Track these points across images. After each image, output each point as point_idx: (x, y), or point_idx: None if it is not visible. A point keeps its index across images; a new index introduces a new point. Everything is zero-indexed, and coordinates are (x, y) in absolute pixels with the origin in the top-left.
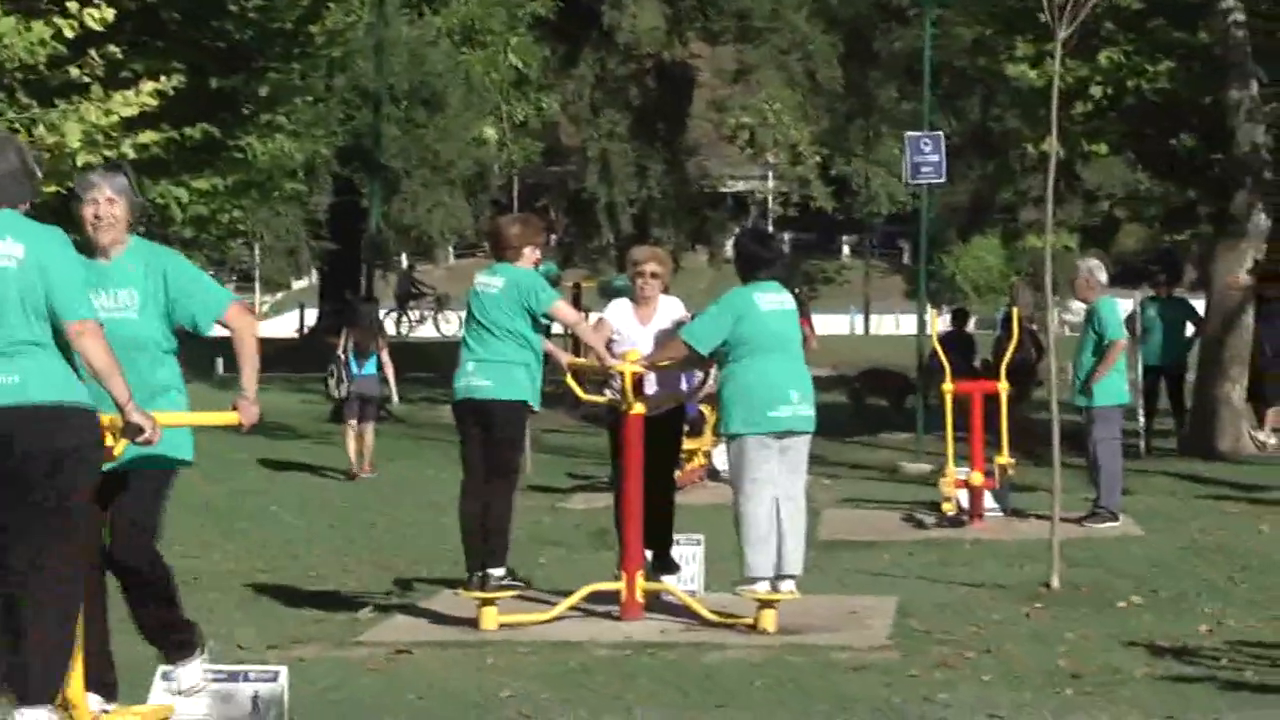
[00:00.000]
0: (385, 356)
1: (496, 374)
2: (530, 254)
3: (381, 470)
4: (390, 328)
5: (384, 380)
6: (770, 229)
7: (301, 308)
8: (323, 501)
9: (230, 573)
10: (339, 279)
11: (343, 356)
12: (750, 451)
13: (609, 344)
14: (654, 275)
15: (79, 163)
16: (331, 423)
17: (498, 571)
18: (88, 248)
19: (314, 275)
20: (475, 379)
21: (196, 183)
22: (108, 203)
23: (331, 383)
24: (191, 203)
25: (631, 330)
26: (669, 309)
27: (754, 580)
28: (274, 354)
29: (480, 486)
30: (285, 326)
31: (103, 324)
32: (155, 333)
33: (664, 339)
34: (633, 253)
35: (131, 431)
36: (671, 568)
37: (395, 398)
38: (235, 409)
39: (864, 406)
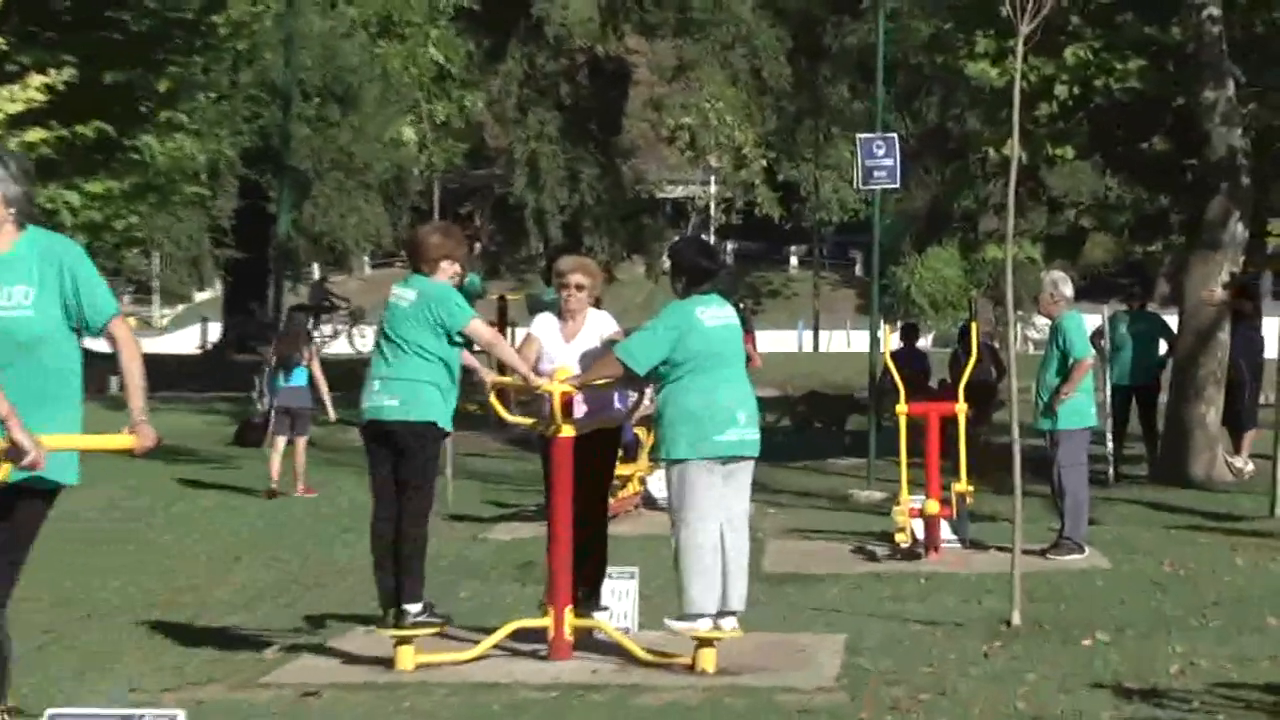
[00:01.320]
0: (315, 367)
1: (405, 393)
2: (449, 267)
3: (291, 498)
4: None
5: (315, 393)
6: (712, 238)
7: (204, 321)
8: (226, 530)
9: (122, 607)
10: (245, 290)
11: (267, 369)
12: (694, 478)
13: (536, 362)
14: (579, 288)
15: None
16: (235, 445)
17: (414, 607)
18: None
19: (218, 286)
20: (382, 399)
21: (89, 185)
22: None
23: (255, 396)
24: (84, 207)
25: (555, 347)
26: (598, 324)
27: (695, 617)
28: (175, 372)
29: (391, 515)
30: (187, 342)
31: None
32: (55, 330)
33: (596, 356)
34: (558, 264)
35: (13, 455)
36: (602, 603)
37: (331, 412)
38: (131, 431)
39: (808, 430)
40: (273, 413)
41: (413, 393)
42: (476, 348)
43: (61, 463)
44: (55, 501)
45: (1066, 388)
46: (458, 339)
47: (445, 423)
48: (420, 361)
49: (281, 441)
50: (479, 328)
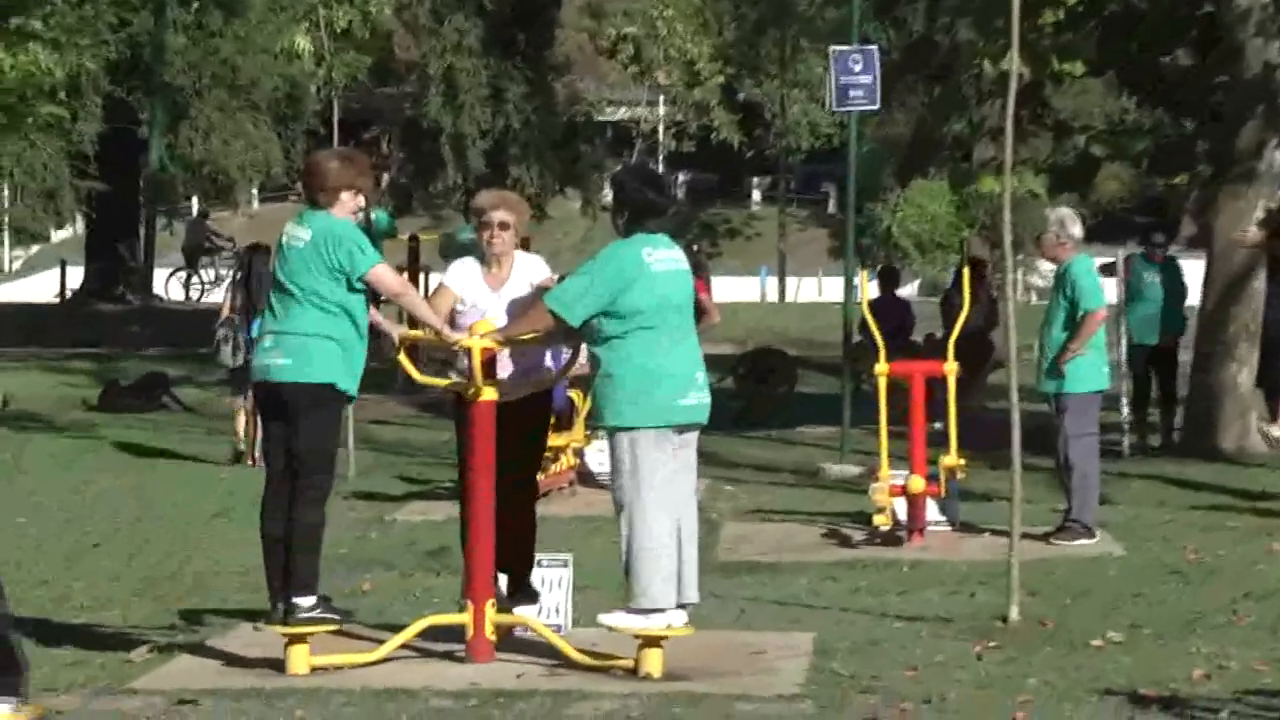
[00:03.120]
0: None
1: (297, 350)
2: (350, 200)
3: (160, 472)
4: (175, 291)
5: None
6: (660, 167)
7: (63, 265)
8: (88, 512)
9: None
10: (110, 229)
11: (236, 318)
12: (647, 450)
13: (452, 314)
14: (503, 226)
15: None
16: (99, 410)
17: (305, 600)
18: None
19: (79, 224)
20: (272, 356)
21: None
22: None
23: (226, 349)
24: None
25: (480, 296)
26: (527, 268)
27: (651, 613)
28: (28, 324)
29: (283, 493)
30: (42, 289)
31: None
32: None
33: (523, 306)
34: (477, 199)
35: None
36: (531, 596)
37: None
38: None
39: (756, 394)
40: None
41: (305, 350)
42: (382, 297)
43: None
44: None
45: (1075, 344)
46: (358, 286)
47: (346, 385)
48: (314, 312)
49: (241, 401)
50: (384, 274)
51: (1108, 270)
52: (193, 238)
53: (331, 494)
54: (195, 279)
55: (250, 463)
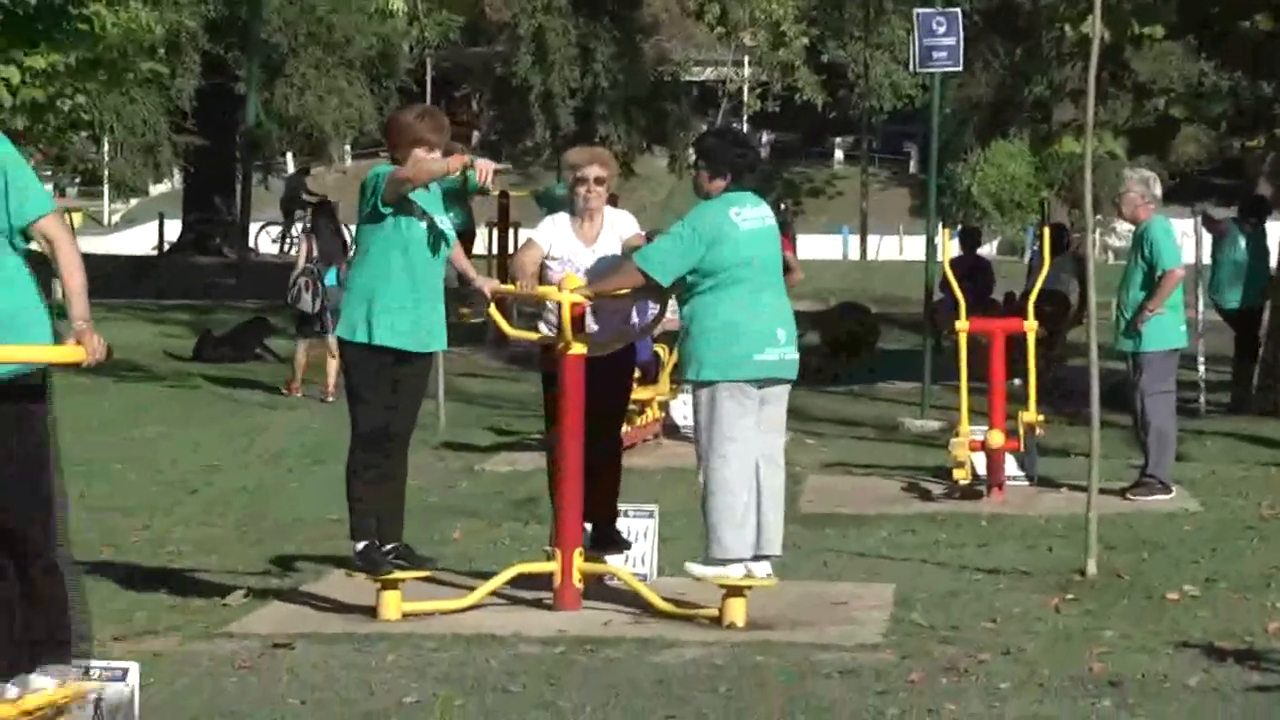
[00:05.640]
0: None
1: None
2: (425, 154)
3: (254, 419)
4: (268, 245)
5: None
6: (745, 127)
7: (161, 218)
8: (183, 459)
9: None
10: (207, 183)
11: (312, 266)
12: (726, 403)
13: (543, 269)
14: (598, 181)
15: None
16: (194, 361)
17: (355, 546)
18: None
19: (176, 178)
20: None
21: (30, 60)
22: None
23: (307, 296)
24: (24, 85)
25: (573, 251)
26: (617, 224)
27: (724, 562)
28: (127, 275)
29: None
30: (141, 241)
31: None
32: None
33: (612, 264)
34: (570, 155)
35: None
36: (618, 545)
37: None
38: (78, 342)
39: (841, 350)
40: (325, 312)
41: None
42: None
43: None
44: None
45: (1153, 303)
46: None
47: (355, 334)
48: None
49: (304, 345)
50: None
51: (1211, 225)
52: (291, 192)
53: (422, 444)
54: (290, 234)
55: (286, 392)
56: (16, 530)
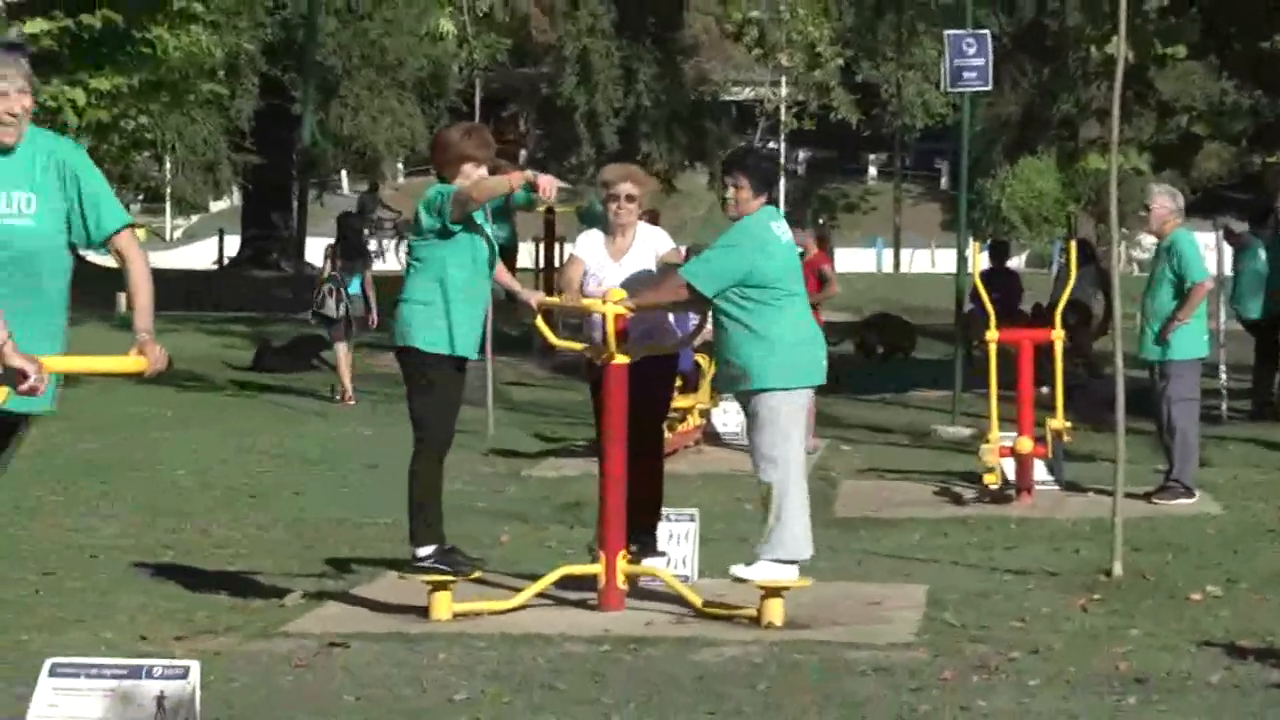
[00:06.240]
0: (369, 276)
1: (397, 316)
2: (473, 170)
3: (310, 426)
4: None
5: (366, 301)
6: (782, 145)
7: (221, 234)
8: (241, 464)
9: (129, 549)
10: (265, 200)
11: (337, 274)
12: (791, 409)
13: (583, 283)
14: (629, 199)
15: None
16: (253, 370)
17: (420, 551)
18: None
19: (235, 195)
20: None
21: (96, 82)
22: (19, 95)
23: (330, 301)
24: (89, 106)
25: (602, 265)
26: (650, 240)
27: (792, 563)
28: (188, 289)
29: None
30: (201, 256)
31: None
32: (56, 243)
33: (653, 278)
34: (603, 173)
35: (10, 378)
36: (656, 551)
37: (375, 320)
38: (139, 353)
39: (874, 358)
40: (348, 319)
41: (398, 315)
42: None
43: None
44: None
45: (1183, 313)
46: (446, 234)
47: (425, 343)
48: (407, 278)
49: (343, 348)
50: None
51: (1232, 238)
52: (365, 209)
53: (470, 451)
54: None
55: (343, 399)
56: None
